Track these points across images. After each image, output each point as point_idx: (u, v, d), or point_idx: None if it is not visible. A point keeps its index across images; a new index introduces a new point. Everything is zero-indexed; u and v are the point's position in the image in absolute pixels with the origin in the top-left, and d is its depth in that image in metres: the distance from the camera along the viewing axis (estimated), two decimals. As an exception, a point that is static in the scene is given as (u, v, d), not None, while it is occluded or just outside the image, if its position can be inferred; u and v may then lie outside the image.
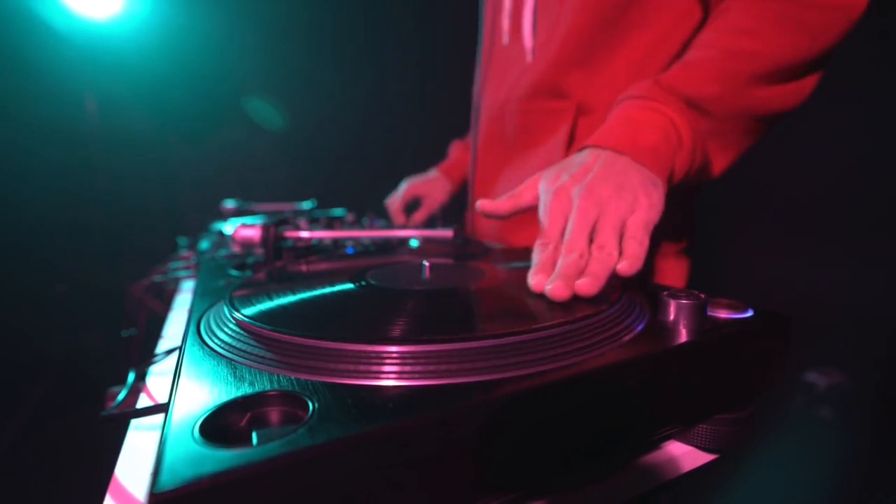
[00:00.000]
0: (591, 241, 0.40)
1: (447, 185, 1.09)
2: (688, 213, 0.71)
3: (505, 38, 0.76)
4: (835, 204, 1.40)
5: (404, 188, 1.08)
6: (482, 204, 0.49)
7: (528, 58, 0.71)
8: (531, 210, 0.49)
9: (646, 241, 0.40)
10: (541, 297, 0.36)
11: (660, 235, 0.42)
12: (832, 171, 1.35)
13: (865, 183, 1.33)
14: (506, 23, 0.75)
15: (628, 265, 0.38)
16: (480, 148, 0.84)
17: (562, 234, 0.41)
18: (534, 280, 0.37)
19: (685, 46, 0.62)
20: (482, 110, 0.83)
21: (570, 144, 0.67)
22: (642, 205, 0.42)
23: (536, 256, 0.40)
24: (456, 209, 1.09)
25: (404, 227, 1.02)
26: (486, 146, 0.83)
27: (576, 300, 0.34)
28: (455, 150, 1.14)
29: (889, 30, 1.05)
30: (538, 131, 0.72)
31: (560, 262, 0.38)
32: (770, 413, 1.36)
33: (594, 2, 0.62)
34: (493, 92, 0.80)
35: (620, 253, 0.39)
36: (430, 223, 1.07)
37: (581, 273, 0.36)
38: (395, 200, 1.09)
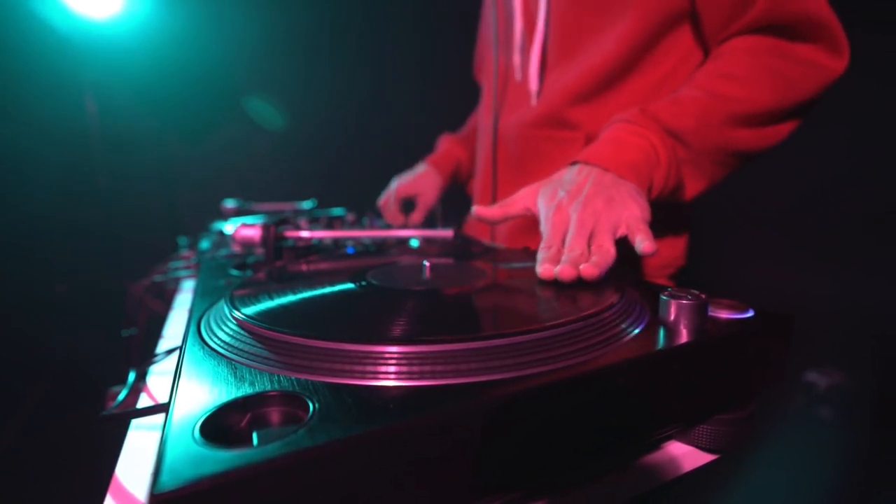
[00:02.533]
0: (588, 244, 0.45)
1: (438, 181, 1.06)
2: (676, 236, 0.74)
3: (518, 75, 0.79)
4: (835, 204, 1.40)
5: (395, 188, 1.06)
6: (477, 210, 0.57)
7: (533, 101, 0.76)
8: (520, 218, 0.56)
9: (649, 231, 0.45)
10: (541, 298, 0.36)
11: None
12: (833, 171, 1.35)
13: (866, 184, 1.33)
14: (517, 58, 0.78)
15: (649, 244, 0.44)
16: (487, 169, 0.87)
17: (563, 241, 0.47)
18: (541, 268, 0.42)
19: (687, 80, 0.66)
20: (491, 133, 0.85)
21: None
22: (635, 208, 0.48)
23: (542, 255, 0.45)
24: (458, 211, 1.09)
25: (404, 226, 1.02)
26: (497, 167, 0.85)
27: (576, 301, 0.34)
28: (444, 142, 1.11)
29: (883, 37, 1.05)
30: (547, 158, 0.76)
31: (565, 256, 0.43)
32: (770, 413, 1.36)
33: (618, 47, 0.66)
34: (504, 115, 0.83)
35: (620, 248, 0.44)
36: (429, 223, 1.06)
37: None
38: (388, 200, 1.06)
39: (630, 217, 0.47)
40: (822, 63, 0.55)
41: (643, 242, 0.44)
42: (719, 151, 0.58)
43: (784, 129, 0.59)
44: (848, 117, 1.24)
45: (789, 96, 0.56)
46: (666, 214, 0.63)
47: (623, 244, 0.46)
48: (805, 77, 0.55)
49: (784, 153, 0.59)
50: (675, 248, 0.74)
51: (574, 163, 0.55)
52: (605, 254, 0.43)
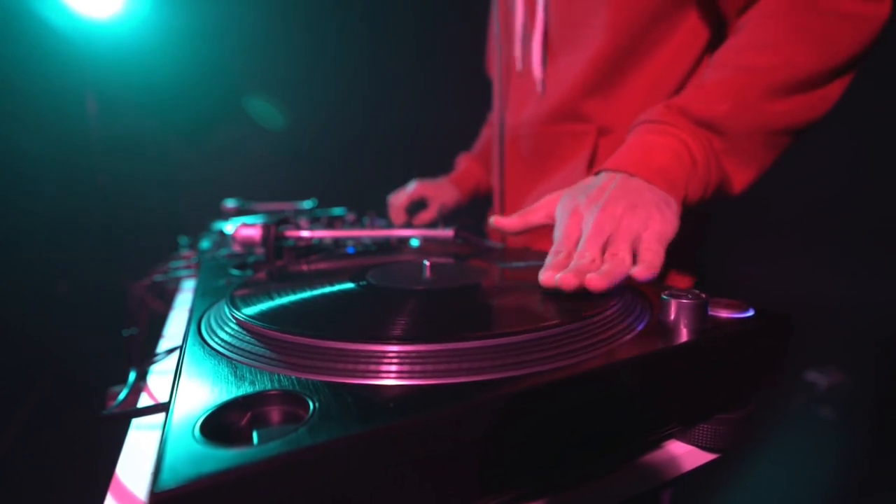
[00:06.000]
0: (603, 252, 0.41)
1: (456, 194, 1.09)
2: (698, 240, 0.70)
3: (518, 65, 0.77)
4: (836, 204, 1.40)
5: (413, 186, 1.08)
6: (496, 220, 0.52)
7: (538, 88, 0.73)
8: (542, 228, 0.51)
9: (661, 253, 0.41)
10: (542, 297, 0.36)
11: (672, 258, 0.44)
12: (834, 171, 1.35)
13: (867, 183, 1.33)
14: (518, 50, 0.76)
15: (644, 269, 0.38)
16: (496, 168, 0.86)
17: (576, 246, 0.43)
18: (544, 275, 0.38)
19: (696, 62, 0.63)
20: (497, 133, 0.84)
21: (592, 164, 0.69)
22: (655, 220, 0.43)
23: (549, 260, 0.41)
24: (461, 212, 1.09)
25: (405, 226, 1.02)
26: (510, 167, 0.84)
27: (577, 300, 0.34)
28: (463, 161, 1.14)
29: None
30: (560, 153, 0.73)
31: (572, 264, 0.39)
32: (771, 412, 1.36)
33: (617, 33, 0.63)
34: (511, 115, 0.81)
35: (635, 262, 0.40)
36: (431, 224, 1.07)
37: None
38: (400, 196, 1.08)
39: (649, 232, 0.42)
40: (861, 12, 0.47)
41: (639, 266, 0.39)
42: (763, 132, 0.51)
43: (833, 91, 0.50)
44: (856, 117, 1.24)
45: (831, 55, 0.48)
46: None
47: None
48: (844, 32, 0.47)
49: (790, 154, 0.56)
50: (687, 256, 0.70)
51: (599, 171, 0.51)
52: (619, 264, 0.38)
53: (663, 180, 0.47)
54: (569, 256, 0.41)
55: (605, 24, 0.63)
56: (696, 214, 0.60)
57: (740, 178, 0.54)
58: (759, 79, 0.49)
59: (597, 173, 0.51)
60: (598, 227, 0.42)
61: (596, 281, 0.35)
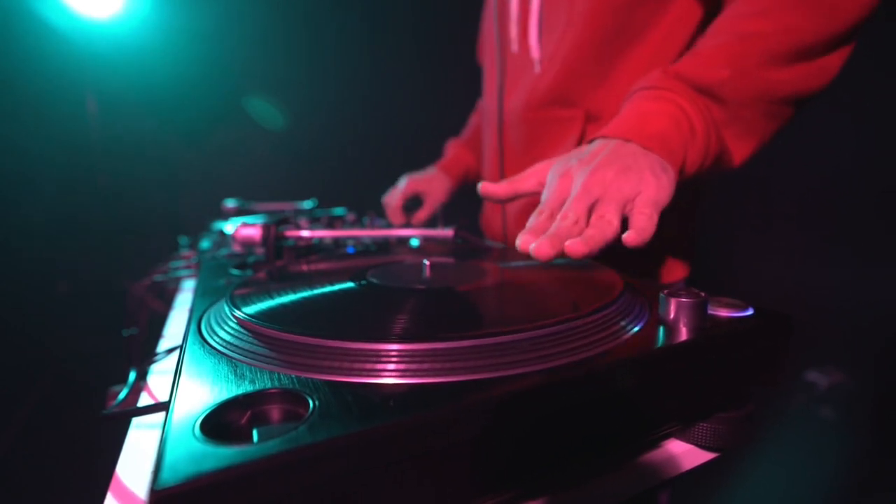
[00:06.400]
0: (589, 214, 0.39)
1: (447, 183, 1.08)
2: (692, 216, 0.71)
3: (514, 46, 0.76)
4: (836, 203, 1.40)
5: (404, 184, 1.07)
6: (483, 186, 0.51)
7: (536, 68, 0.72)
8: (531, 196, 0.49)
9: (654, 218, 0.39)
10: (541, 295, 0.36)
11: (667, 230, 0.42)
12: (834, 170, 1.35)
13: (867, 183, 1.33)
14: (514, 30, 0.75)
15: (636, 234, 0.37)
16: (494, 156, 0.85)
17: (561, 207, 0.41)
18: (520, 240, 0.36)
19: (688, 45, 0.62)
20: (496, 118, 0.84)
21: None
22: (650, 184, 0.41)
23: (530, 222, 0.40)
24: (460, 209, 1.09)
25: (405, 226, 1.02)
26: (504, 152, 0.83)
27: (576, 298, 0.34)
28: (452, 147, 1.13)
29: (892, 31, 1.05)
30: (548, 139, 0.72)
31: (553, 226, 0.37)
32: (771, 412, 1.36)
33: (600, 12, 0.62)
34: (507, 95, 0.80)
35: (625, 229, 0.38)
36: (430, 222, 1.06)
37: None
38: (394, 196, 1.07)
39: (642, 196, 0.40)
40: None
41: (630, 232, 0.37)
42: (762, 100, 0.49)
43: (835, 60, 0.49)
44: (859, 115, 1.24)
45: (833, 21, 0.46)
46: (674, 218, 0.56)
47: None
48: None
49: (792, 153, 0.56)
50: (682, 254, 0.71)
51: (594, 139, 0.49)
52: (605, 226, 0.37)
53: (661, 147, 0.45)
54: (551, 217, 0.40)
55: (588, 3, 0.62)
56: (688, 209, 0.58)
57: (740, 149, 0.52)
58: (757, 45, 0.48)
59: (591, 141, 0.49)
60: (585, 189, 0.40)
61: (576, 246, 0.34)
